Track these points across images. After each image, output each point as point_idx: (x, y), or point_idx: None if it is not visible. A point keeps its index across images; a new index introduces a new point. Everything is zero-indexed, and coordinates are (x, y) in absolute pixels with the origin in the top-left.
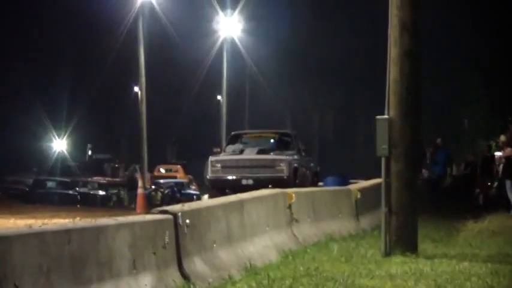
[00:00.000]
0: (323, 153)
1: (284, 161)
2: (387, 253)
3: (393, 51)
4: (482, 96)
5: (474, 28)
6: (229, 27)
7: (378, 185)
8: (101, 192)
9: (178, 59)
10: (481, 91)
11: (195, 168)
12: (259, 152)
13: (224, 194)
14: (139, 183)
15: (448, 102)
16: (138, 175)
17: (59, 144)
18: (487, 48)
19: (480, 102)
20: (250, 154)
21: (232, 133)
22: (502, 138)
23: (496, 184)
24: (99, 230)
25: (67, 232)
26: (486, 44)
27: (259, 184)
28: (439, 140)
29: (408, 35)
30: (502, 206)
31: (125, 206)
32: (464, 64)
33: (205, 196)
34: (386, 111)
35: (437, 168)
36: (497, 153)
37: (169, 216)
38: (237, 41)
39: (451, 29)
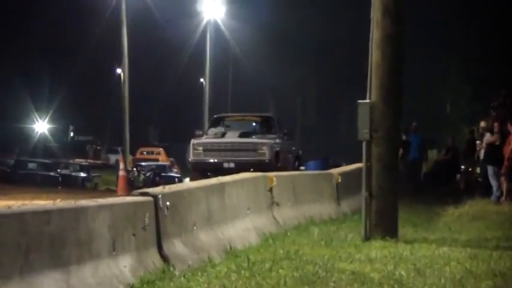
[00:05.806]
0: (305, 137)
1: (266, 144)
2: (367, 237)
3: (375, 35)
4: (464, 82)
5: (457, 11)
6: (213, 9)
7: (359, 169)
8: (83, 174)
9: (162, 40)
10: (463, 76)
11: (177, 151)
12: (241, 135)
13: (206, 177)
14: (121, 166)
15: (431, 86)
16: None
17: (41, 126)
18: (470, 33)
19: (462, 87)
20: (232, 137)
21: (215, 116)
22: (482, 124)
23: (478, 169)
24: (79, 211)
25: (47, 213)
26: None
27: (241, 167)
28: (414, 124)
29: (390, 18)
30: (483, 192)
31: (106, 188)
32: (446, 49)
33: (187, 179)
34: (368, 96)
35: (411, 152)
36: (478, 142)
37: (150, 198)
38: (220, 23)
39: (433, 12)
